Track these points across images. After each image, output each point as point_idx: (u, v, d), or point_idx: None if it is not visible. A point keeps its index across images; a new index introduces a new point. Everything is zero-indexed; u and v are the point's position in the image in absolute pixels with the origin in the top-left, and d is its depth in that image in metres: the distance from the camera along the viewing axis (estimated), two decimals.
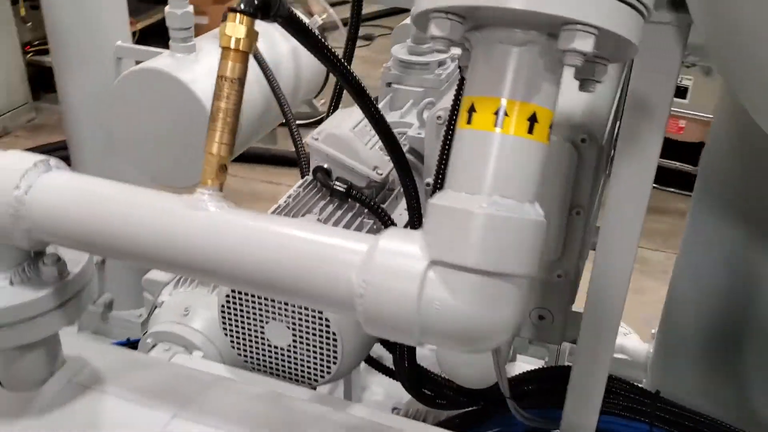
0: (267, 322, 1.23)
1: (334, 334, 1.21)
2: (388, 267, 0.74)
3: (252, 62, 1.16)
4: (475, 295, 0.72)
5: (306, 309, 1.20)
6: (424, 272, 0.73)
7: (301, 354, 1.25)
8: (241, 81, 0.79)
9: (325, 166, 1.33)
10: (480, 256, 0.71)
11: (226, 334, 1.26)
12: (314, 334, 1.22)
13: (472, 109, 0.73)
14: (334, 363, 1.24)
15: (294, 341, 1.24)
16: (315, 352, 1.24)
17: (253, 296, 1.23)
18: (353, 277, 0.74)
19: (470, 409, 1.52)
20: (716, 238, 1.47)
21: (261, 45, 0.88)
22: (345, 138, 1.31)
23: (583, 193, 1.23)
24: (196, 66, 1.63)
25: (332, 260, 0.76)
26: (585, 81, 0.79)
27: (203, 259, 0.78)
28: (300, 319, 1.22)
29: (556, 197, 1.25)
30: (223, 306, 1.25)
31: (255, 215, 0.79)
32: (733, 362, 1.48)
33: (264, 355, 1.27)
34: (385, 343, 1.43)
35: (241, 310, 1.24)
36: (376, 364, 1.55)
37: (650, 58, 0.99)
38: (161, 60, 1.62)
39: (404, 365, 1.38)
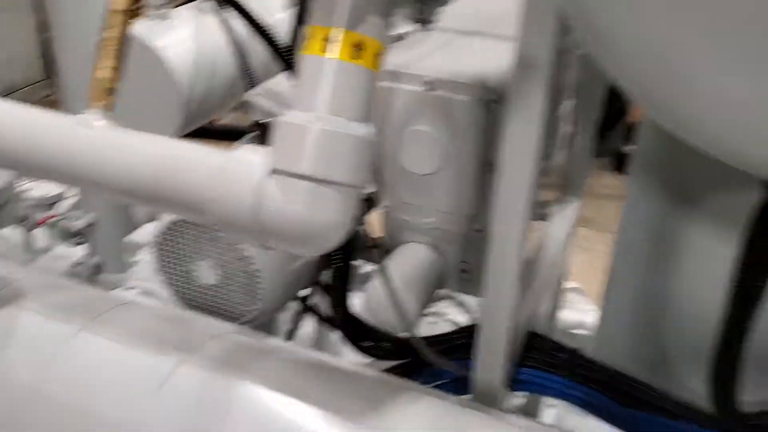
0: (196, 261, 1.34)
1: (257, 271, 1.32)
2: (234, 174, 0.84)
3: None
4: (308, 200, 0.82)
5: (231, 247, 1.31)
6: (263, 179, 0.83)
7: (227, 291, 1.36)
8: (125, 12, 0.90)
9: (265, 120, 1.44)
10: (311, 165, 0.81)
11: (160, 274, 1.38)
12: (239, 272, 1.33)
13: (309, 37, 0.83)
14: (259, 299, 1.34)
15: (221, 279, 1.34)
16: (240, 289, 1.34)
17: (182, 237, 1.34)
18: (207, 183, 0.85)
19: (404, 361, 1.59)
20: (645, 214, 1.52)
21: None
22: (283, 93, 1.41)
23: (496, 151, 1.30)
24: (171, 33, 1.75)
25: (191, 169, 0.86)
26: (422, 22, 0.88)
27: (87, 170, 0.90)
28: (226, 258, 1.33)
29: (470, 154, 1.33)
30: (156, 247, 1.36)
31: (134, 133, 0.90)
32: (659, 332, 1.53)
33: (194, 293, 1.38)
34: (323, 289, 1.53)
35: (172, 251, 1.36)
36: (313, 311, 1.64)
37: (531, 16, 1.06)
38: (135, 26, 1.75)
39: (340, 312, 1.47)
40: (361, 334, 1.53)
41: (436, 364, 1.40)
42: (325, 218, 0.82)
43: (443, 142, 1.30)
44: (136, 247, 2.03)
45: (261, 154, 0.83)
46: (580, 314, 2.49)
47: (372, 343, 1.56)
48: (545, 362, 1.47)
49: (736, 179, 1.28)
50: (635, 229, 1.54)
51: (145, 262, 1.86)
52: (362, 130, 0.84)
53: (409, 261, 1.41)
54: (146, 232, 2.01)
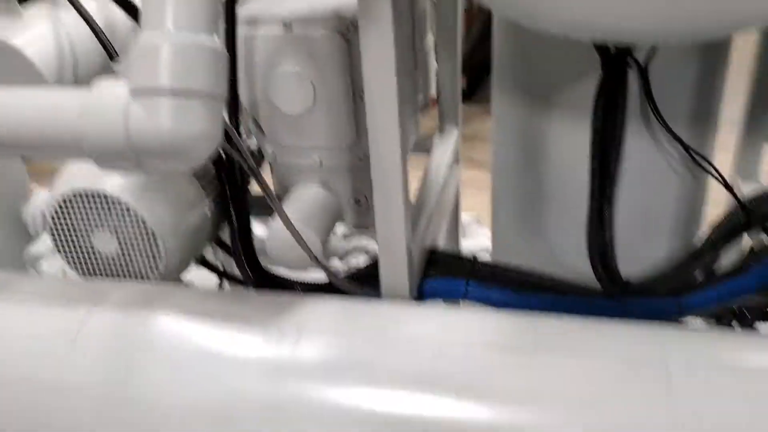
0: (93, 232, 1.36)
1: (153, 232, 1.35)
2: (101, 105, 0.89)
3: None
4: (171, 113, 0.89)
5: (124, 212, 1.34)
6: (127, 102, 0.88)
7: (128, 258, 1.38)
8: None
9: None
10: (167, 78, 0.88)
11: (58, 251, 1.39)
12: (135, 236, 1.36)
13: None
14: (161, 261, 1.38)
15: (119, 247, 1.37)
16: (140, 253, 1.37)
17: (74, 212, 1.36)
18: (78, 120, 0.89)
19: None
20: (512, 118, 1.65)
21: None
22: None
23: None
24: (26, 31, 1.74)
25: (60, 108, 0.91)
26: None
27: None
28: (120, 224, 1.35)
29: (339, 87, 1.41)
30: (50, 226, 1.38)
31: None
32: (540, 222, 1.66)
33: (96, 265, 1.40)
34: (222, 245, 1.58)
35: (67, 228, 1.37)
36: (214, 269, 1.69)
37: None
38: None
39: (242, 264, 1.52)
40: (268, 283, 1.59)
41: (349, 291, 1.48)
42: (191, 130, 0.88)
43: (311, 79, 1.37)
44: (36, 259, 2.01)
45: (122, 82, 0.88)
46: (480, 240, 2.63)
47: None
48: (445, 272, 1.58)
49: (582, 68, 1.42)
50: (506, 134, 1.66)
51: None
52: (211, 40, 0.90)
53: (303, 200, 1.48)
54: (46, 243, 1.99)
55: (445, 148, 1.98)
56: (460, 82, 1.99)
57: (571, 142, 1.50)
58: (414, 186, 1.56)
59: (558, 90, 1.51)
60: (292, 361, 1.04)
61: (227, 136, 1.30)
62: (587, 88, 1.41)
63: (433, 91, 1.99)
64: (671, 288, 1.52)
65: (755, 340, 1.12)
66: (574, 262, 1.58)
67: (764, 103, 1.74)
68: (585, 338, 1.16)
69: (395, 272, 1.44)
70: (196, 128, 0.88)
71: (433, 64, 1.93)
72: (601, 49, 1.31)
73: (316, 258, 1.38)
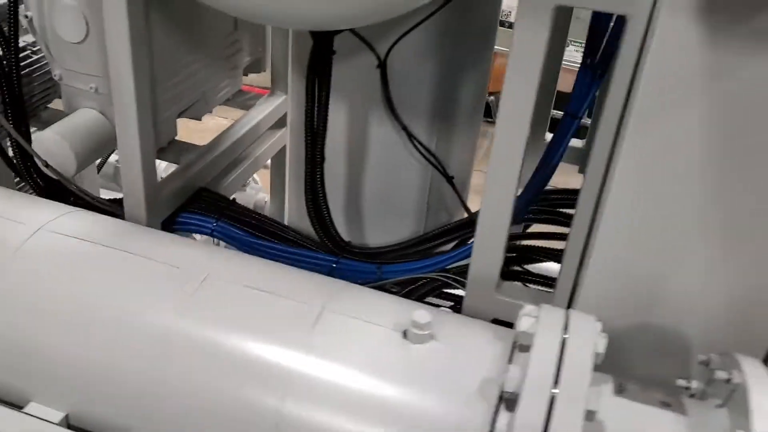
0: None
1: None
2: None
3: None
4: None
5: None
6: None
7: None
8: None
9: None
10: None
11: None
12: None
13: None
14: None
15: None
16: None
17: None
18: None
19: None
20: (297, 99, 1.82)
21: None
22: None
23: None
24: None
25: None
26: None
27: None
28: None
29: None
30: None
31: None
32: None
33: None
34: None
35: None
36: None
37: None
38: None
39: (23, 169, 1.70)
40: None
41: (99, 207, 1.67)
42: None
43: (84, 12, 1.56)
44: None
45: None
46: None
47: None
48: (203, 209, 1.77)
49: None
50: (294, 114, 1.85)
51: None
52: None
53: (72, 119, 1.66)
54: None
55: (264, 109, 2.16)
56: (289, 52, 2.16)
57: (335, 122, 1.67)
58: None
59: None
60: None
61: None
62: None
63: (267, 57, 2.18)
64: (386, 257, 1.72)
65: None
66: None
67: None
68: (275, 278, 1.22)
69: (134, 202, 1.62)
70: None
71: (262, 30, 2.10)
72: (312, 36, 1.47)
73: (69, 172, 1.58)
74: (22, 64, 1.72)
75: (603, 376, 0.92)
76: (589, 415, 0.82)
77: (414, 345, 0.92)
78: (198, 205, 1.78)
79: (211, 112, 2.00)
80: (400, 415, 0.87)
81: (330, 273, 1.62)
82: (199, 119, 1.96)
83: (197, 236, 1.97)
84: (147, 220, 1.62)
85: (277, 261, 1.67)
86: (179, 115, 1.85)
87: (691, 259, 1.05)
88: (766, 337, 1.07)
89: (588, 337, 0.86)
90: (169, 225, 1.72)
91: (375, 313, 0.96)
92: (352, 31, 1.53)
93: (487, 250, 1.31)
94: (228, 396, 0.92)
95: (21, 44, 1.72)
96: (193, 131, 2.17)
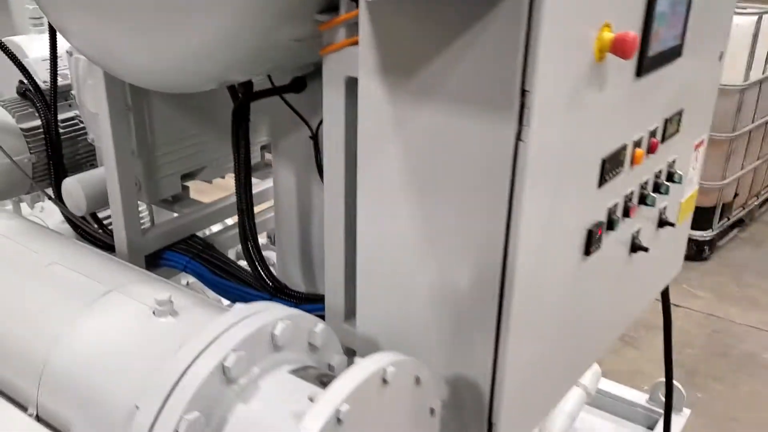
0: None
1: None
2: None
3: None
4: None
5: None
6: None
7: None
8: None
9: None
10: None
11: None
12: None
13: None
14: None
15: None
16: None
17: None
18: None
19: None
20: None
21: None
22: None
23: None
24: None
25: None
26: None
27: None
28: None
29: None
30: None
31: None
32: None
33: None
34: None
35: None
36: None
37: None
38: None
39: None
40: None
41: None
42: None
43: None
44: None
45: None
46: None
47: None
48: (185, 249, 2.15)
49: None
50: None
51: None
52: None
53: (93, 173, 2.14)
54: None
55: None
56: None
57: None
58: None
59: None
60: None
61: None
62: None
63: None
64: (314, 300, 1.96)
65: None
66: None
67: None
68: (100, 267, 1.49)
69: (119, 239, 2.02)
70: None
71: None
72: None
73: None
74: (69, 129, 2.25)
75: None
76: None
77: (157, 318, 1.18)
78: (181, 247, 2.15)
79: (223, 177, 2.41)
80: (138, 374, 1.12)
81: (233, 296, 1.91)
82: (210, 182, 2.37)
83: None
84: (128, 253, 2.03)
85: (226, 294, 2.01)
86: (188, 177, 2.28)
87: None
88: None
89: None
90: (155, 259, 2.11)
91: (151, 295, 1.23)
92: (290, 106, 1.86)
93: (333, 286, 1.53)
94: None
95: (72, 114, 2.26)
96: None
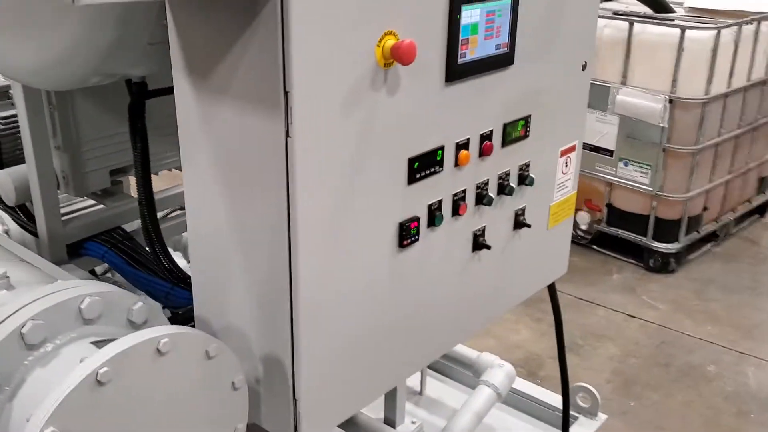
0: None
1: None
2: None
3: None
4: None
5: None
6: None
7: None
8: None
9: None
10: None
11: None
12: None
13: None
14: None
15: None
16: None
17: None
18: None
19: None
20: None
21: None
22: None
23: None
24: None
25: None
26: None
27: None
28: None
29: None
30: None
31: None
32: None
33: None
34: None
35: None
36: None
37: None
38: None
39: None
40: None
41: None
42: None
43: None
44: None
45: None
46: None
47: None
48: (105, 240, 2.27)
49: None
50: None
51: None
52: None
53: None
54: None
55: None
56: None
57: None
58: None
59: None
60: None
61: None
62: None
63: None
64: None
65: None
66: None
67: None
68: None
69: (41, 226, 2.16)
70: None
71: None
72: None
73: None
74: (9, 126, 2.40)
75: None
76: None
77: None
78: (102, 237, 2.28)
79: (156, 173, 2.54)
80: None
81: (165, 296, 2.02)
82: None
83: None
84: (48, 242, 2.16)
85: (136, 283, 2.13)
86: (121, 173, 2.41)
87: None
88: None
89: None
90: (77, 249, 2.24)
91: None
92: None
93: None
94: None
95: (13, 112, 2.41)
96: None
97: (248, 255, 1.28)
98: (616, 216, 4.50)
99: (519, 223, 1.71)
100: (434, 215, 1.43)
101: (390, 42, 1.18)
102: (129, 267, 2.18)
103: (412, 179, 1.35)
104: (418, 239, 1.41)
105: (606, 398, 3.22)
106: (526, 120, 1.61)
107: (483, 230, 1.60)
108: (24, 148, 2.08)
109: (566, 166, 1.86)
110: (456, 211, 1.48)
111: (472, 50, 1.38)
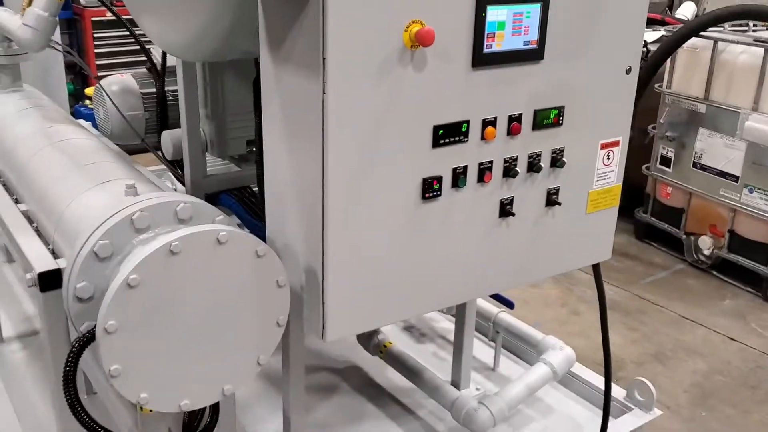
0: None
1: None
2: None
3: None
4: None
5: None
6: None
7: None
8: None
9: None
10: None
11: None
12: None
13: None
14: None
15: None
16: None
17: None
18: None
19: None
20: None
21: None
22: None
23: None
24: None
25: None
26: None
27: None
28: None
29: None
30: None
31: None
32: None
33: None
34: None
35: None
36: None
37: None
38: None
39: None
40: None
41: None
42: None
43: None
44: None
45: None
46: None
47: None
48: (234, 195, 2.76)
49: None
50: None
51: None
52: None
53: None
54: None
55: None
56: None
57: None
58: None
59: None
60: None
61: None
62: None
63: None
64: None
65: None
66: None
67: None
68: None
69: (189, 176, 2.69)
70: None
71: None
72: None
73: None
74: (174, 97, 2.97)
75: None
76: None
77: (125, 196, 1.77)
78: (234, 192, 2.78)
79: None
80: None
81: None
82: None
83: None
84: (192, 190, 2.68)
85: (249, 228, 2.59)
86: (253, 143, 2.90)
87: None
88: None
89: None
90: (213, 198, 2.75)
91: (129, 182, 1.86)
92: None
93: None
94: None
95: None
96: None
97: (298, 189, 1.65)
98: (738, 243, 4.40)
99: (551, 201, 1.94)
100: (458, 178, 1.71)
101: (416, 28, 1.50)
102: (248, 216, 2.64)
103: (436, 144, 1.65)
104: (440, 195, 1.70)
105: (678, 405, 3.24)
106: (560, 110, 1.85)
107: (511, 200, 1.85)
108: (180, 115, 2.62)
109: (608, 158, 2.05)
110: (481, 178, 1.76)
111: (499, 43, 1.65)
